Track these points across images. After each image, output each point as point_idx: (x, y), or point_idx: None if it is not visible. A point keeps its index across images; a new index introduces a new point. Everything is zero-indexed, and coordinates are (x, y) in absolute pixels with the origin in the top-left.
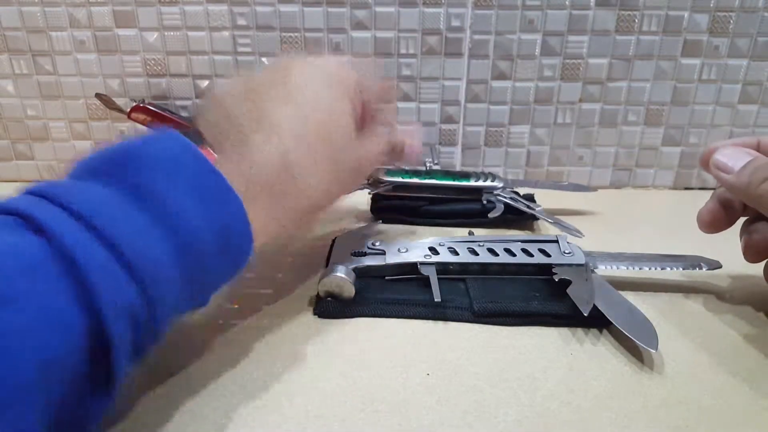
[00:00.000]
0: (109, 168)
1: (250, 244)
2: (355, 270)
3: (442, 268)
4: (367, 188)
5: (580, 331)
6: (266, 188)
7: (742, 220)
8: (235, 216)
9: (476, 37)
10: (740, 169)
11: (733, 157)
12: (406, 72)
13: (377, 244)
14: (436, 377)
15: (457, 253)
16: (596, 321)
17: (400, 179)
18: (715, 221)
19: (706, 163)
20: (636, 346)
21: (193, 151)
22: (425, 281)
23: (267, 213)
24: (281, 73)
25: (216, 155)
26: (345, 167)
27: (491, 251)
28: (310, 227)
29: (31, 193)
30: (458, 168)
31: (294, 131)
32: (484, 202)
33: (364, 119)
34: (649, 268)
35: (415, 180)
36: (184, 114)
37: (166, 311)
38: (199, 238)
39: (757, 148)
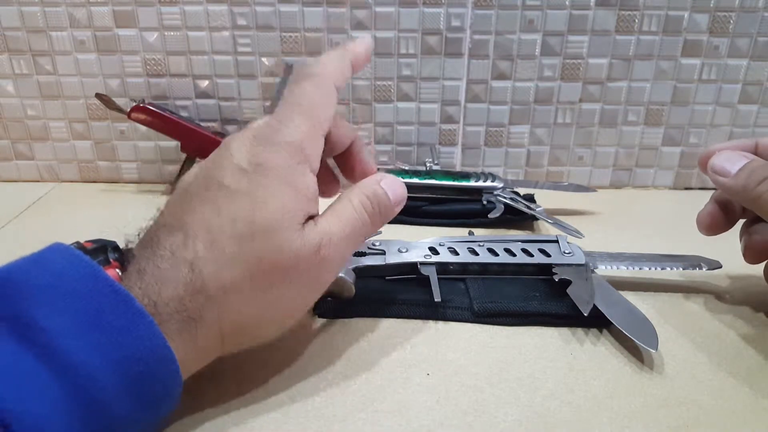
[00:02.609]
0: None
1: (173, 375)
2: (355, 270)
3: (442, 268)
4: None
5: (580, 331)
6: (177, 311)
7: (741, 221)
8: (146, 342)
9: (476, 37)
10: (737, 172)
11: (730, 161)
12: (406, 72)
13: (377, 244)
14: (436, 377)
15: (457, 253)
16: (596, 321)
17: (400, 179)
18: (714, 224)
19: (704, 166)
20: (636, 346)
21: (86, 269)
22: (425, 281)
23: (185, 340)
24: (219, 162)
25: (122, 272)
26: (280, 281)
27: (491, 251)
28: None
29: None
30: (458, 168)
31: (210, 234)
32: (484, 202)
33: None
34: (649, 268)
35: (415, 180)
36: (184, 114)
37: None
38: (95, 378)
39: (755, 150)
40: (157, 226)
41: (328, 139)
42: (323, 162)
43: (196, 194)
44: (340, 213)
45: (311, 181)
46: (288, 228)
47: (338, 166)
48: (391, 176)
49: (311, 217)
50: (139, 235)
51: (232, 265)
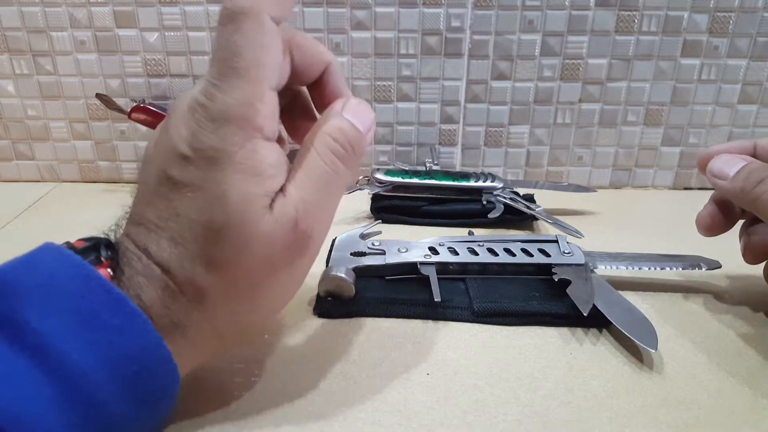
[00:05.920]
0: None
1: (171, 374)
2: (355, 270)
3: (442, 268)
4: (366, 188)
5: (579, 330)
6: (162, 314)
7: (741, 221)
8: (141, 341)
9: (476, 37)
10: (734, 174)
11: (728, 164)
12: (406, 72)
13: (377, 243)
14: (436, 377)
15: (457, 253)
16: (596, 321)
17: (400, 179)
18: (713, 224)
19: (703, 168)
20: (635, 346)
21: (77, 269)
22: (425, 281)
23: (178, 340)
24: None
25: (113, 272)
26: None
27: (491, 251)
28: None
29: None
30: (458, 168)
31: (171, 235)
32: (484, 202)
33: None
34: (649, 268)
35: (415, 180)
36: None
37: None
38: (90, 378)
39: (753, 151)
40: (128, 221)
41: (292, 69)
42: (300, 100)
43: (151, 185)
44: (307, 168)
45: (268, 153)
46: (253, 218)
47: (312, 100)
48: (354, 99)
49: (280, 190)
50: (117, 225)
51: (203, 270)
